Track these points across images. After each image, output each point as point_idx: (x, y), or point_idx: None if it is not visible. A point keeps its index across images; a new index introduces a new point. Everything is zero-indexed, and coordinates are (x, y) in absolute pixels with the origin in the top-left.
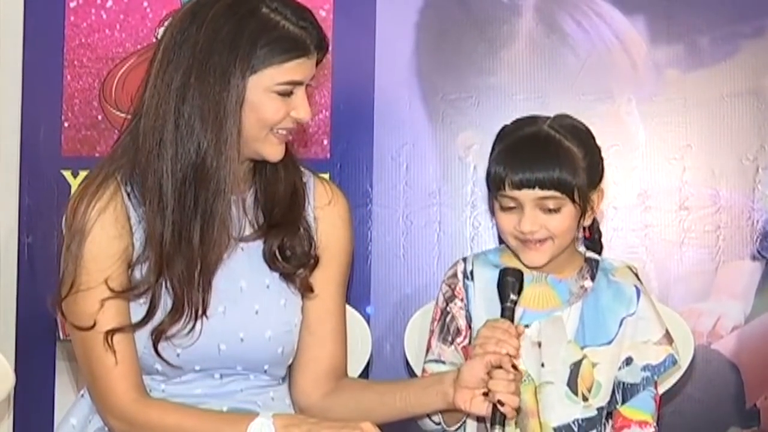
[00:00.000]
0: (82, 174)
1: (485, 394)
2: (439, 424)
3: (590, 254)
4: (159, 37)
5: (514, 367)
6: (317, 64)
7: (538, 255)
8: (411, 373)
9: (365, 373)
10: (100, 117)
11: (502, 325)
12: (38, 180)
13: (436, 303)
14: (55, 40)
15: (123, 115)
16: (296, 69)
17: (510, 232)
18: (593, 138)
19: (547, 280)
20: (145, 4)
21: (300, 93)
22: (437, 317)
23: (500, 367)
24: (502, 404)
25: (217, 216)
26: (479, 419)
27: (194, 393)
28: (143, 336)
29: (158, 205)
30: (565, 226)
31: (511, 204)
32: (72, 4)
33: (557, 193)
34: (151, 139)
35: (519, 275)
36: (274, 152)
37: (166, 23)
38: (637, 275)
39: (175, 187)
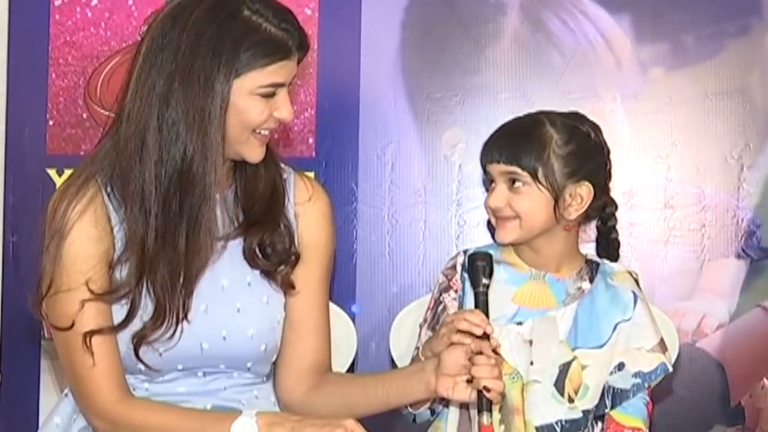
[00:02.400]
0: (68, 172)
1: (469, 381)
2: (405, 407)
3: (592, 256)
4: (140, 38)
5: (495, 351)
6: (299, 62)
7: (505, 232)
8: None
9: (350, 372)
10: (85, 115)
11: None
12: (23, 178)
13: (432, 293)
14: (39, 38)
15: (108, 113)
16: (279, 71)
17: (488, 209)
18: (591, 138)
19: (545, 278)
20: (130, 2)
21: (282, 93)
22: (430, 306)
23: (481, 352)
24: (488, 390)
25: (203, 221)
26: (462, 406)
27: (178, 391)
28: (125, 339)
29: (140, 209)
30: (529, 207)
31: (491, 180)
32: (57, 2)
33: (518, 169)
34: (132, 144)
35: (488, 258)
36: (255, 154)
37: (145, 25)
38: (636, 281)
39: (159, 192)
